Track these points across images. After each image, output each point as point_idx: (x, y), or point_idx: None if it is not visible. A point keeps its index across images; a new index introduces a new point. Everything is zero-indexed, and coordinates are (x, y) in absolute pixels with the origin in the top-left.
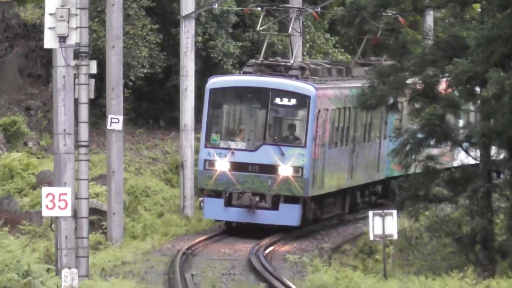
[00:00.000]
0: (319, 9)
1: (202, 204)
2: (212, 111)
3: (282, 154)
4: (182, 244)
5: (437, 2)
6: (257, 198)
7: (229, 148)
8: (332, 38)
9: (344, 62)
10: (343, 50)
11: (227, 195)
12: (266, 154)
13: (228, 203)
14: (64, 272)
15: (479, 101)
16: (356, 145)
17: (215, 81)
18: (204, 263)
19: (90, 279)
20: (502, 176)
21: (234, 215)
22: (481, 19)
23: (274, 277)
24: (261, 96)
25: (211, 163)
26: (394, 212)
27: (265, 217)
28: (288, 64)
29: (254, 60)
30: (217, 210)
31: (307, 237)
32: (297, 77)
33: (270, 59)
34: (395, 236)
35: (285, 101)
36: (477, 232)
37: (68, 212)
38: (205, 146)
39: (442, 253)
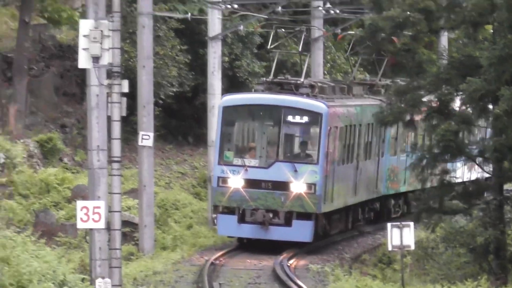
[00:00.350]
0: (340, 30)
1: (215, 220)
2: (225, 128)
3: (295, 171)
4: (210, 255)
5: (451, 24)
6: (271, 215)
7: (242, 165)
8: (352, 58)
9: (343, 81)
10: (362, 69)
11: (240, 212)
12: (279, 171)
13: (242, 220)
14: (98, 281)
15: (491, 118)
16: (359, 162)
17: (227, 99)
18: (231, 272)
19: None
20: None
21: (248, 231)
22: (493, 40)
23: (298, 286)
24: (274, 113)
25: (224, 180)
26: (411, 224)
27: (278, 233)
28: (298, 82)
29: (264, 78)
30: (230, 227)
31: (328, 247)
32: (307, 95)
33: (280, 77)
34: (412, 247)
35: (297, 119)
36: (490, 242)
37: (101, 225)
38: (219, 164)
39: (457, 262)
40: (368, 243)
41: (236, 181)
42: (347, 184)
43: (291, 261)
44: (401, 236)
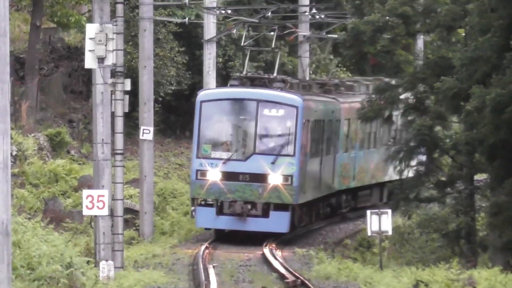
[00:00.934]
0: (324, 33)
1: (193, 213)
2: (203, 122)
3: (272, 163)
4: (205, 239)
5: (427, 27)
6: (249, 206)
7: (220, 158)
8: (335, 59)
9: (305, 80)
10: (344, 69)
11: (218, 204)
12: (257, 163)
13: (220, 212)
14: (102, 264)
15: (463, 114)
16: (323, 157)
17: (205, 94)
18: (223, 256)
19: (125, 270)
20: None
21: (226, 223)
22: (465, 42)
23: (285, 267)
24: (250, 106)
25: (203, 173)
26: (389, 211)
27: (256, 224)
28: (271, 77)
29: (238, 74)
30: (208, 219)
31: (313, 233)
32: (281, 89)
33: (251, 73)
34: (390, 232)
35: (273, 112)
36: (461, 228)
37: (105, 212)
38: (197, 157)
39: (431, 246)
40: (350, 229)
41: (214, 174)
42: (315, 178)
43: (278, 245)
44: (380, 222)
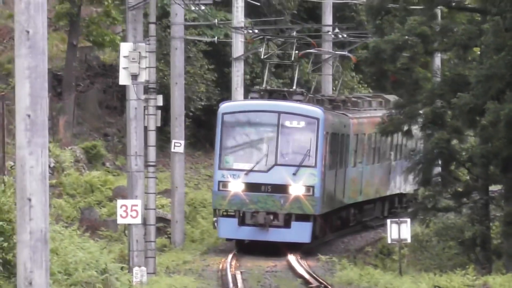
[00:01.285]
0: (347, 52)
1: (216, 224)
2: (225, 134)
3: (294, 174)
4: (233, 247)
5: (444, 46)
6: (271, 217)
7: (242, 170)
8: (357, 76)
9: (318, 95)
10: (366, 85)
11: (240, 215)
12: (278, 174)
13: (242, 222)
14: (135, 270)
15: (479, 128)
16: (337, 170)
17: (226, 106)
18: (250, 263)
19: (157, 275)
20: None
21: (248, 233)
22: (480, 60)
23: (309, 273)
24: (272, 118)
25: (225, 184)
26: (408, 220)
27: (278, 234)
28: (291, 90)
29: (258, 87)
30: (231, 229)
31: (335, 241)
32: (300, 102)
33: (269, 87)
34: (409, 240)
35: (294, 123)
36: (477, 236)
37: (138, 220)
38: (219, 168)
39: (448, 254)
40: (370, 237)
41: (236, 185)
42: (331, 190)
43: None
44: (399, 230)
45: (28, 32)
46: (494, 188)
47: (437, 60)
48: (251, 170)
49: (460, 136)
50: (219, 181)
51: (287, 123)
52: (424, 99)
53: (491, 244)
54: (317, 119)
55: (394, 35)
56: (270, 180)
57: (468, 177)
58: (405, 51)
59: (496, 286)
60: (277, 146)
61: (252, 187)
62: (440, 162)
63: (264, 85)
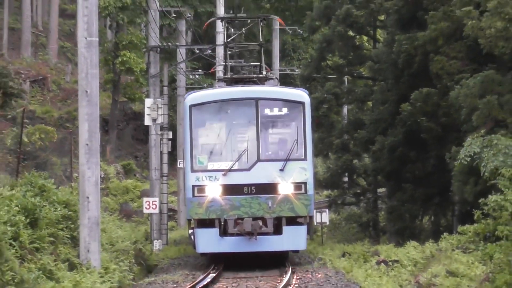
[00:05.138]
0: None
1: (192, 237)
2: (195, 130)
3: (281, 170)
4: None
5: (349, 101)
6: (260, 223)
7: (220, 170)
8: None
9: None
10: None
11: (222, 223)
12: (263, 172)
13: (224, 233)
14: (155, 242)
15: (371, 153)
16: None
17: (194, 97)
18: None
19: (168, 245)
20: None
21: (233, 245)
22: (372, 110)
23: None
24: (249, 107)
25: (200, 189)
26: (327, 210)
27: (268, 244)
28: (261, 76)
29: (223, 75)
30: (211, 242)
31: None
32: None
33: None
34: (327, 223)
35: (276, 111)
36: (370, 221)
37: (157, 211)
38: (192, 171)
39: (352, 232)
40: None
41: (213, 189)
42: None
43: None
44: (321, 216)
45: (87, 91)
46: (380, 190)
47: (345, 109)
48: (230, 170)
49: (359, 158)
50: (193, 186)
51: (267, 111)
52: (336, 134)
53: (379, 226)
54: (302, 103)
55: (318, 94)
56: (254, 180)
57: (364, 183)
58: (324, 104)
59: (383, 251)
60: (258, 139)
61: (232, 189)
62: (346, 174)
63: (229, 74)
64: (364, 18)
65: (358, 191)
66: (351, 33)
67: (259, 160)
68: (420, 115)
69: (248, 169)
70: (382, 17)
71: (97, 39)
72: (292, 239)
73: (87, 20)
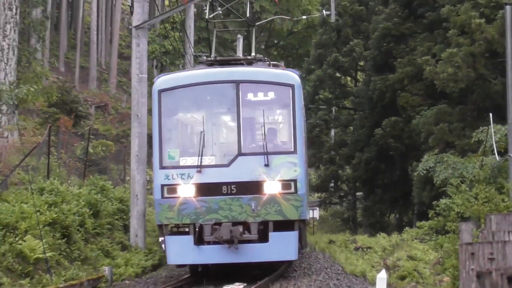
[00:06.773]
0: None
1: (162, 245)
2: (165, 120)
3: (267, 165)
4: None
5: (336, 125)
6: (240, 228)
7: (194, 166)
8: None
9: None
10: None
11: (196, 230)
12: (245, 168)
13: (199, 241)
14: None
15: (352, 165)
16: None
17: (164, 80)
18: None
19: None
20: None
21: (209, 255)
22: (353, 132)
23: None
24: (228, 91)
25: (171, 188)
26: (317, 208)
27: (252, 253)
28: (249, 57)
29: (205, 57)
30: (184, 252)
31: None
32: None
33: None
34: (318, 218)
35: (260, 95)
36: (350, 217)
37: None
38: (161, 167)
39: (336, 225)
40: None
41: (186, 188)
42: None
43: None
44: (313, 213)
45: (137, 115)
46: (358, 193)
47: (332, 132)
48: (206, 166)
49: (342, 169)
50: (163, 185)
51: (250, 96)
52: (325, 151)
53: (357, 220)
54: (291, 86)
55: (312, 120)
56: (234, 177)
57: (346, 188)
58: (317, 127)
59: (359, 240)
60: (239, 129)
61: (209, 189)
62: (332, 181)
63: (213, 55)
64: (348, 63)
65: (342, 194)
66: (338, 74)
67: (240, 154)
68: (389, 137)
69: (227, 165)
70: (361, 63)
71: (146, 75)
72: (281, 247)
73: (139, 61)
